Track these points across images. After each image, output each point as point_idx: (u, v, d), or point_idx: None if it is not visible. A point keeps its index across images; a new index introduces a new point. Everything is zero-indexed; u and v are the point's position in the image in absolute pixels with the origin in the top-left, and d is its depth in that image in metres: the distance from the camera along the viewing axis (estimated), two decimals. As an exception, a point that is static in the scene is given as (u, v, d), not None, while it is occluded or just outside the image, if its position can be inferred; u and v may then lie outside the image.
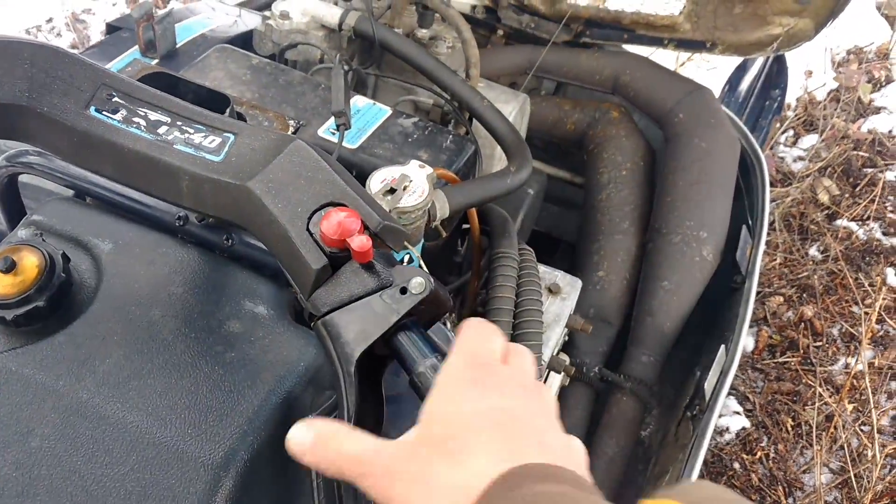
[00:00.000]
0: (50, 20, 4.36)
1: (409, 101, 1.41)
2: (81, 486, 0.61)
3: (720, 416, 1.88)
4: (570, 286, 1.14)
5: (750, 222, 1.71)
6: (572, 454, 0.48)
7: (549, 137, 1.93)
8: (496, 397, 0.49)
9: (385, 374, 0.62)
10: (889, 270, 2.44)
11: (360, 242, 0.57)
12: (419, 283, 0.57)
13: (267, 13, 1.42)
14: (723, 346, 1.41)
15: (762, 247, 1.61)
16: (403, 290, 0.58)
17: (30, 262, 0.71)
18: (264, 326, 0.77)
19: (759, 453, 1.90)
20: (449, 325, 0.62)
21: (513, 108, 1.48)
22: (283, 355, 0.74)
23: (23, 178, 0.95)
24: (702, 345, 1.61)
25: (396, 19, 1.47)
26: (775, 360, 2.14)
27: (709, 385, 1.34)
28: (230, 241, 0.84)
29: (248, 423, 0.67)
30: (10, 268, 0.70)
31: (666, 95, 1.80)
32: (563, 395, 1.47)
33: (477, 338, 0.53)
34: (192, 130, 0.66)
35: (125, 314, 0.75)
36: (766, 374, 2.10)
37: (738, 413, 1.97)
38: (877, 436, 1.79)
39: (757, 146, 1.83)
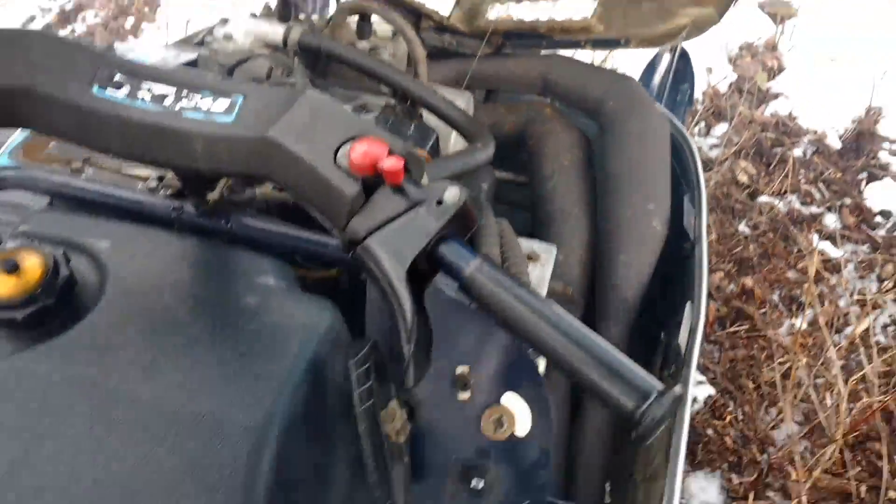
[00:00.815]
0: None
1: (358, 105, 1.43)
2: (126, 467, 0.59)
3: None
4: (547, 252, 1.18)
5: (688, 193, 1.79)
6: None
7: None
8: None
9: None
10: (814, 235, 2.60)
11: (391, 164, 0.58)
12: (454, 194, 0.59)
13: (209, 38, 1.43)
14: (689, 303, 1.47)
15: (705, 213, 1.69)
16: (440, 202, 0.59)
17: (32, 263, 0.70)
18: (279, 296, 0.77)
19: (727, 417, 1.97)
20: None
21: (461, 103, 1.53)
22: (303, 320, 0.75)
23: None
24: (663, 313, 1.66)
25: (336, 32, 1.51)
26: (727, 331, 2.23)
27: (681, 341, 1.39)
28: (229, 224, 0.84)
29: (282, 385, 0.67)
30: (14, 269, 0.68)
31: (594, 87, 1.89)
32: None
33: None
34: (199, 96, 0.67)
35: (137, 303, 0.74)
36: (721, 344, 2.19)
37: (702, 382, 2.04)
38: (839, 372, 1.89)
39: (682, 127, 1.93)
